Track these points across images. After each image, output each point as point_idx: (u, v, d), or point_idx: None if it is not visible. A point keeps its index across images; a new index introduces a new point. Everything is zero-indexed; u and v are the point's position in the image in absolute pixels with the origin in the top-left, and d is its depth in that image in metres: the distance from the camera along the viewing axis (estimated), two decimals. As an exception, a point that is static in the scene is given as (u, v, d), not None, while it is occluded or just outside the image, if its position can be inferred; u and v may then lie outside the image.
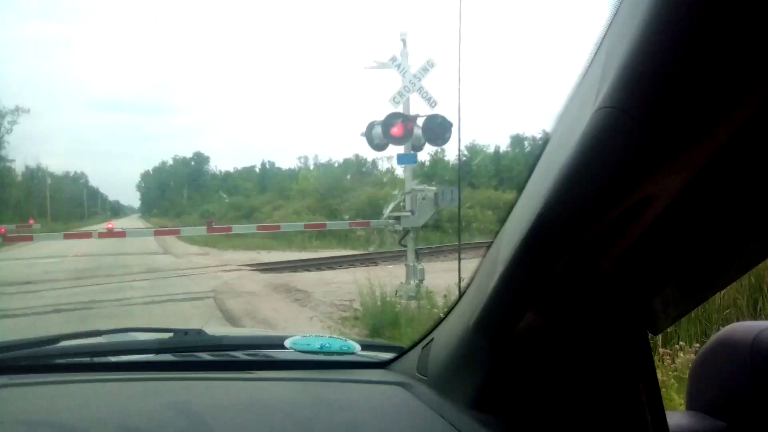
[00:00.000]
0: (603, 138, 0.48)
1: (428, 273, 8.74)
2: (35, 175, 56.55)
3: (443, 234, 17.88)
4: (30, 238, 10.21)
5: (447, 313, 0.98)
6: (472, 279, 0.87)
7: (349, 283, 9.29)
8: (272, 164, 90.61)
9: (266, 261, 14.65)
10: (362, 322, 6.97)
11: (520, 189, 0.67)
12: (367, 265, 12.58)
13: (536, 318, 0.65)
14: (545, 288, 0.63)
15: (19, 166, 49.76)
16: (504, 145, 59.28)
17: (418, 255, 9.01)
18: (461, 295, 0.91)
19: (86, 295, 9.56)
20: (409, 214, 8.79)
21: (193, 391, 1.01)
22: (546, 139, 0.63)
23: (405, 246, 8.86)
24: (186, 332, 1.23)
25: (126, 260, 15.82)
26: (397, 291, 7.91)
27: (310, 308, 8.54)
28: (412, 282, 8.41)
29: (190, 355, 1.18)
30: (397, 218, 9.00)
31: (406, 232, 8.86)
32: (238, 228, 12.88)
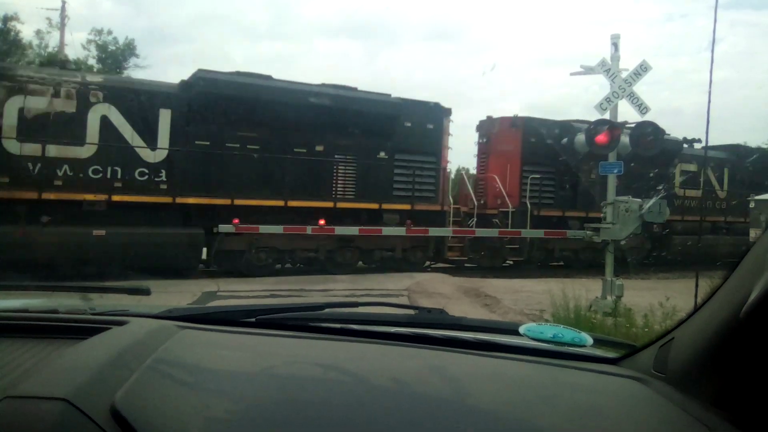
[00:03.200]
0: None
1: (627, 290, 8.23)
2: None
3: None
4: (256, 229, 11.59)
5: (690, 314, 0.99)
6: (723, 282, 0.88)
7: (539, 293, 9.10)
8: (467, 171, 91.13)
9: (453, 266, 14.95)
10: (553, 334, 6.79)
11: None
12: (559, 277, 12.17)
13: None
14: None
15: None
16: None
17: (617, 270, 8.52)
18: (710, 297, 0.92)
19: (297, 284, 10.64)
20: (609, 225, 8.36)
21: (443, 360, 1.15)
22: None
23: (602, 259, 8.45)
24: (429, 310, 1.39)
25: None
26: (591, 305, 7.57)
27: (498, 315, 8.52)
28: (608, 297, 7.99)
29: (428, 332, 1.33)
30: (596, 229, 8.61)
31: (605, 244, 8.44)
32: (434, 231, 13.35)
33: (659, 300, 6.17)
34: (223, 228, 11.25)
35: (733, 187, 18.18)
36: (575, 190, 15.51)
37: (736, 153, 19.11)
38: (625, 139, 7.97)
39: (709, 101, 1.31)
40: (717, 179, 18.39)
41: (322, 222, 12.23)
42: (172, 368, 1.05)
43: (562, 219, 15.34)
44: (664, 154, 16.08)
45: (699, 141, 17.71)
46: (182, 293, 8.91)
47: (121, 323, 1.27)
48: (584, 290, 7.32)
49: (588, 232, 8.71)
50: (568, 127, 14.16)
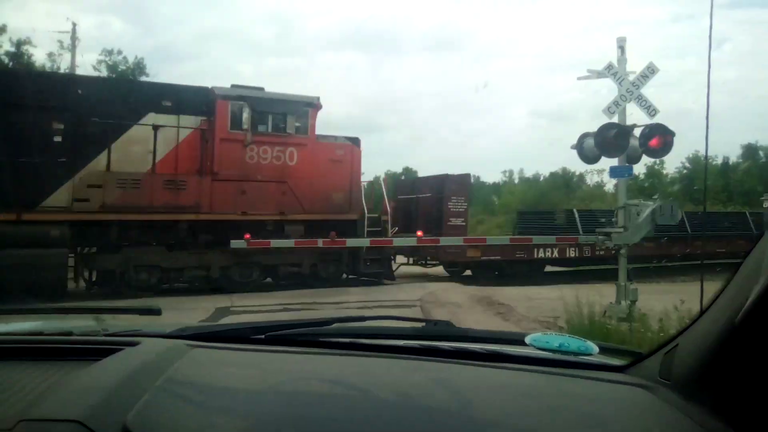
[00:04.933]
0: None
1: (642, 294, 8.16)
2: (266, 189, 63.29)
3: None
4: (268, 243, 11.59)
5: (694, 320, 0.99)
6: (724, 287, 0.88)
7: (553, 300, 9.04)
8: (477, 178, 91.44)
9: (468, 274, 14.88)
10: (568, 341, 6.73)
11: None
12: (573, 283, 12.11)
13: None
14: None
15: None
16: (734, 156, 52.28)
17: (631, 274, 8.45)
18: (712, 302, 0.92)
19: (309, 297, 10.65)
20: (621, 230, 8.31)
21: (449, 372, 1.16)
22: None
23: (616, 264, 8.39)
24: (436, 323, 1.40)
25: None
26: (606, 311, 7.51)
27: (512, 323, 8.48)
28: (623, 302, 7.92)
29: (436, 344, 1.34)
30: (608, 234, 8.56)
31: (618, 249, 8.38)
32: (444, 240, 13.33)
33: (674, 303, 6.10)
34: (235, 244, 11.19)
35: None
36: None
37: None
38: (635, 142, 7.93)
39: (708, 105, 1.32)
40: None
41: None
42: (182, 387, 1.06)
43: None
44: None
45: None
46: (195, 310, 8.97)
47: (133, 344, 1.29)
48: (598, 296, 7.27)
49: (600, 237, 8.65)
50: None
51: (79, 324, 1.61)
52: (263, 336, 1.42)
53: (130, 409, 0.90)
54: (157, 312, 1.56)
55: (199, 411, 0.98)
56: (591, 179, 44.49)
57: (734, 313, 0.78)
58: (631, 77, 7.81)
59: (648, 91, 7.79)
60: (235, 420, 0.94)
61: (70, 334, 1.45)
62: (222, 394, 1.06)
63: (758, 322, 0.74)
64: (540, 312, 8.90)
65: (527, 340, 1.24)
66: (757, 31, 78.14)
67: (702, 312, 0.97)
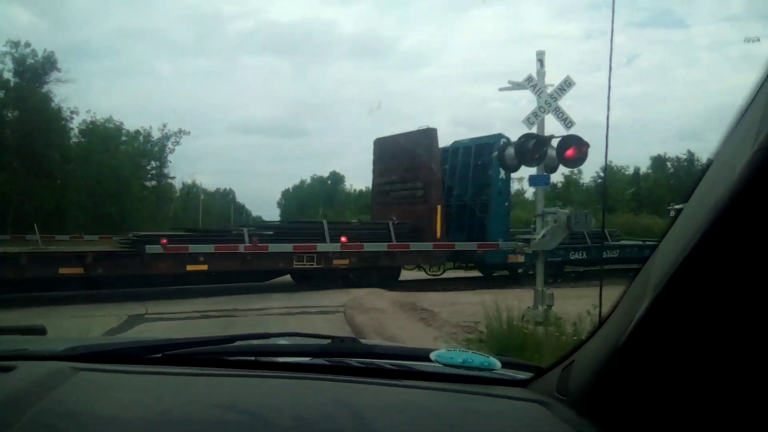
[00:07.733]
0: (760, 178, 0.51)
1: (557, 299, 8.47)
2: (191, 191, 60.83)
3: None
4: (186, 249, 11.25)
5: (589, 336, 1.00)
6: (617, 303, 0.89)
7: (475, 305, 9.23)
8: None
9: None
10: (487, 345, 6.87)
11: (674, 219, 0.70)
12: (494, 288, 12.41)
13: (687, 342, 0.67)
14: (697, 316, 0.66)
15: (177, 183, 53.91)
16: (644, 167, 55.56)
17: (547, 280, 8.76)
18: (606, 318, 0.93)
19: (229, 304, 10.36)
20: (539, 237, 8.61)
21: (351, 392, 1.12)
22: (704, 170, 0.67)
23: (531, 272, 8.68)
24: (342, 339, 1.36)
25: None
26: (524, 315, 7.74)
27: (435, 328, 8.58)
28: (540, 307, 8.21)
29: (343, 360, 1.30)
30: (526, 240, 8.84)
31: (535, 255, 8.67)
32: (369, 246, 13.31)
33: (588, 308, 6.37)
34: (151, 249, 10.90)
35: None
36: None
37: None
38: (552, 152, 8.24)
39: (608, 125, 1.35)
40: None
41: None
42: (58, 418, 0.97)
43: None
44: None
45: None
46: (106, 317, 8.52)
47: (9, 369, 1.16)
48: (517, 301, 7.47)
49: (519, 243, 8.92)
50: None
51: None
52: (160, 355, 1.32)
53: None
54: (41, 331, 1.43)
55: None
56: (512, 187, 46.02)
57: (621, 333, 0.78)
58: (550, 90, 8.11)
59: (565, 103, 8.13)
60: None
61: None
62: (105, 424, 0.96)
63: (641, 344, 0.75)
64: (462, 317, 9.05)
65: (432, 356, 1.23)
66: (665, 49, 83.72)
67: (596, 330, 0.98)
